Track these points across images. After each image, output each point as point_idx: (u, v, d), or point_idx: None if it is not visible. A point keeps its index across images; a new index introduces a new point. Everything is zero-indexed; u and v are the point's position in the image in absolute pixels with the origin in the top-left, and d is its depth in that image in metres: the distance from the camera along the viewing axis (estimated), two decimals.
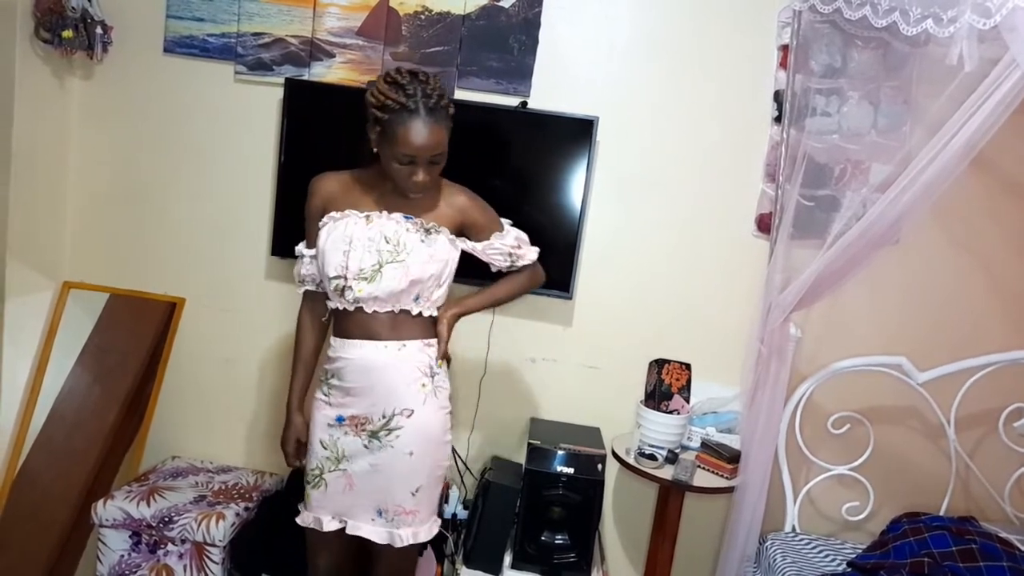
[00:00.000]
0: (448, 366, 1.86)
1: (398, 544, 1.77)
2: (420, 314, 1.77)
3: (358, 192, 1.79)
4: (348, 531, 1.78)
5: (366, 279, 1.70)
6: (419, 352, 1.77)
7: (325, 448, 1.78)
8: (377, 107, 1.65)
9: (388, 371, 1.74)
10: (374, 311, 1.73)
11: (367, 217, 1.74)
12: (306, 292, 1.90)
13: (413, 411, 1.75)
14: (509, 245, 1.88)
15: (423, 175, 1.67)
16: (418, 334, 1.78)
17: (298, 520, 1.83)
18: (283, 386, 2.56)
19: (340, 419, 1.77)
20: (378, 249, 1.71)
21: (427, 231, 1.75)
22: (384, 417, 1.74)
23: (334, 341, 1.81)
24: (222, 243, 2.55)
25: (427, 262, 1.73)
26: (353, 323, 1.75)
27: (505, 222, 1.91)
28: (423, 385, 1.76)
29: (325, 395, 1.81)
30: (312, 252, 1.82)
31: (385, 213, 1.75)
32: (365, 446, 1.76)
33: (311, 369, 1.93)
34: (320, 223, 1.78)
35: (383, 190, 1.78)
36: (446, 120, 1.68)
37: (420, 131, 1.62)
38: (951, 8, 1.73)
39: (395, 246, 1.71)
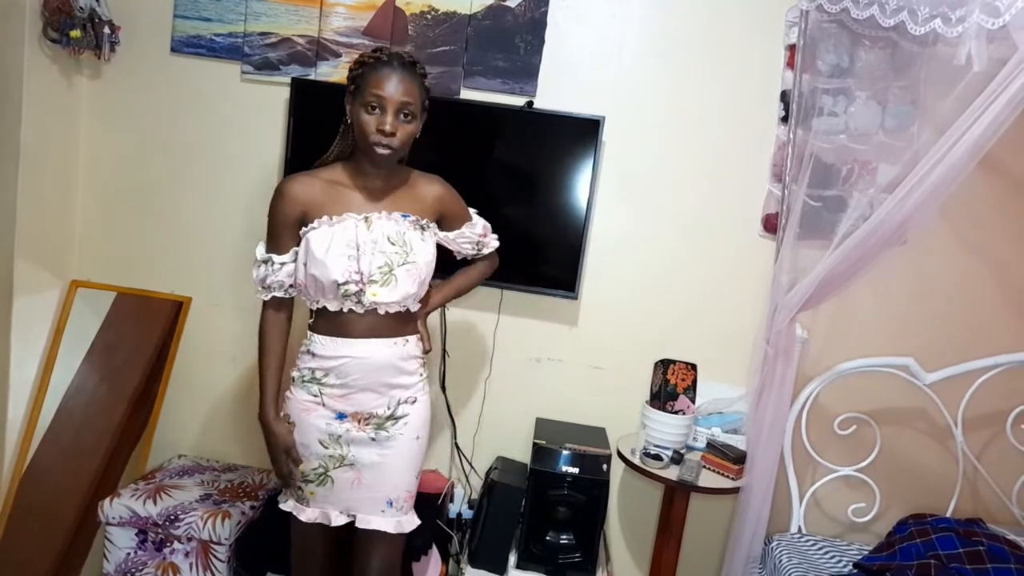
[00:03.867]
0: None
1: (402, 530, 1.82)
2: (413, 310, 1.83)
3: (340, 193, 1.75)
4: (358, 524, 1.79)
5: (376, 282, 1.71)
6: (415, 346, 1.84)
7: (326, 447, 1.77)
8: (353, 69, 1.70)
9: (396, 366, 1.78)
10: (385, 311, 1.75)
11: (366, 219, 1.72)
12: (272, 299, 1.80)
13: (416, 399, 1.82)
14: (478, 234, 1.95)
15: (391, 123, 1.65)
16: (413, 329, 1.85)
17: (302, 518, 1.80)
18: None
19: (342, 416, 1.77)
20: (383, 251, 1.71)
21: (422, 228, 1.79)
22: (389, 408, 1.78)
23: (325, 340, 1.76)
24: (228, 242, 2.55)
25: (430, 260, 1.78)
26: (359, 323, 1.75)
27: (472, 211, 1.95)
28: (421, 375, 1.85)
29: (315, 395, 1.77)
30: (284, 259, 1.75)
31: (385, 213, 1.75)
32: (372, 439, 1.77)
33: (280, 375, 1.86)
34: (305, 228, 1.72)
35: (365, 187, 1.76)
36: (418, 80, 1.70)
37: (390, 76, 1.65)
38: (959, 7, 1.72)
39: (401, 247, 1.72)
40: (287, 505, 1.84)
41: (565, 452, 2.20)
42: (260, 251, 1.79)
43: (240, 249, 2.54)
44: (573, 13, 2.38)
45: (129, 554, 2.26)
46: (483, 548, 2.23)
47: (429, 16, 2.39)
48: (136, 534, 2.25)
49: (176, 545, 2.24)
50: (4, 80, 2.26)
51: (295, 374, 1.81)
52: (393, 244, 1.71)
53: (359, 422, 1.77)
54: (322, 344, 1.76)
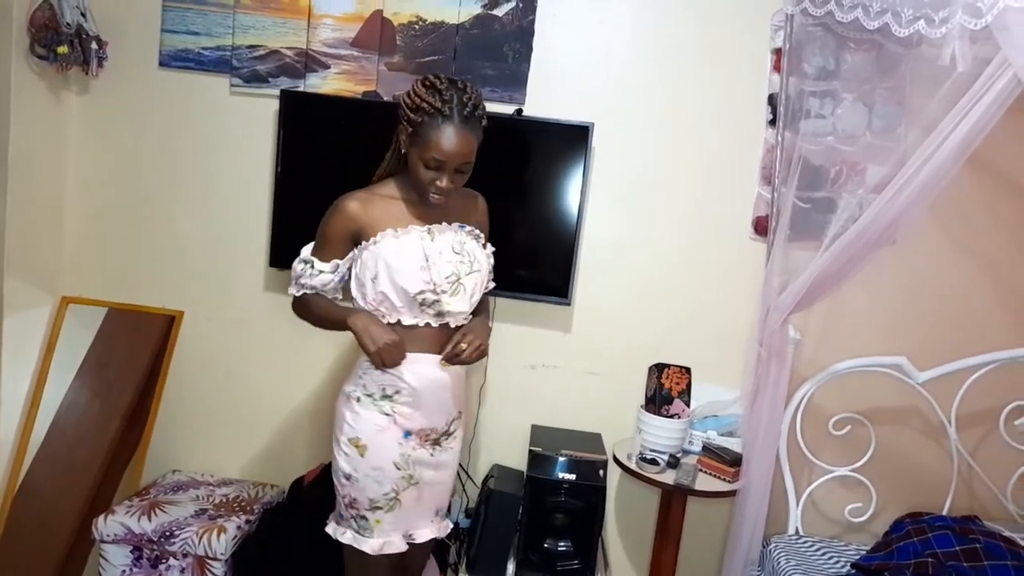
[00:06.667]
0: None
1: (445, 532, 1.92)
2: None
3: (399, 207, 1.74)
4: (416, 540, 1.82)
5: (446, 292, 1.71)
6: None
7: (399, 469, 1.75)
8: (411, 108, 1.63)
9: (458, 380, 1.81)
10: (454, 324, 1.76)
11: (428, 231, 1.72)
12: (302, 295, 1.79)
13: (461, 412, 1.87)
14: (491, 264, 1.89)
15: (447, 182, 1.65)
16: None
17: (365, 549, 1.73)
18: (283, 398, 2.58)
19: (407, 435, 1.76)
20: (449, 261, 1.72)
21: (476, 238, 1.82)
22: (447, 424, 1.82)
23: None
24: (220, 255, 2.55)
25: (490, 269, 1.85)
26: (433, 338, 1.74)
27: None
28: (465, 388, 1.87)
29: (387, 414, 1.74)
30: (323, 267, 1.73)
31: (444, 224, 1.76)
32: (431, 455, 1.80)
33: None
34: (366, 243, 1.70)
35: (420, 202, 1.74)
36: (478, 131, 1.66)
37: (451, 137, 1.61)
38: (942, 9, 1.73)
39: (466, 256, 1.75)
40: (345, 537, 1.76)
41: (561, 459, 2.20)
42: (305, 251, 1.77)
43: (231, 262, 2.54)
44: (560, 21, 2.39)
45: (124, 571, 2.24)
46: (481, 557, 2.23)
47: (417, 26, 2.40)
48: (131, 551, 2.23)
49: (172, 561, 2.22)
50: None
51: (360, 393, 1.74)
52: (457, 254, 1.74)
53: (422, 439, 1.77)
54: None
